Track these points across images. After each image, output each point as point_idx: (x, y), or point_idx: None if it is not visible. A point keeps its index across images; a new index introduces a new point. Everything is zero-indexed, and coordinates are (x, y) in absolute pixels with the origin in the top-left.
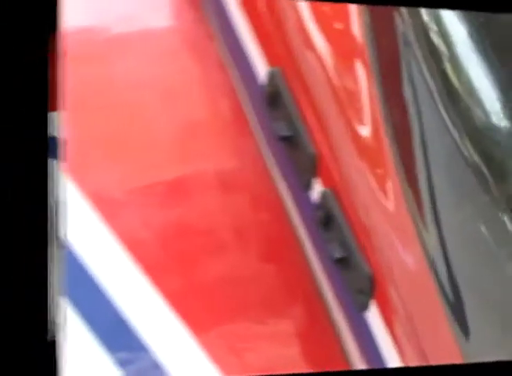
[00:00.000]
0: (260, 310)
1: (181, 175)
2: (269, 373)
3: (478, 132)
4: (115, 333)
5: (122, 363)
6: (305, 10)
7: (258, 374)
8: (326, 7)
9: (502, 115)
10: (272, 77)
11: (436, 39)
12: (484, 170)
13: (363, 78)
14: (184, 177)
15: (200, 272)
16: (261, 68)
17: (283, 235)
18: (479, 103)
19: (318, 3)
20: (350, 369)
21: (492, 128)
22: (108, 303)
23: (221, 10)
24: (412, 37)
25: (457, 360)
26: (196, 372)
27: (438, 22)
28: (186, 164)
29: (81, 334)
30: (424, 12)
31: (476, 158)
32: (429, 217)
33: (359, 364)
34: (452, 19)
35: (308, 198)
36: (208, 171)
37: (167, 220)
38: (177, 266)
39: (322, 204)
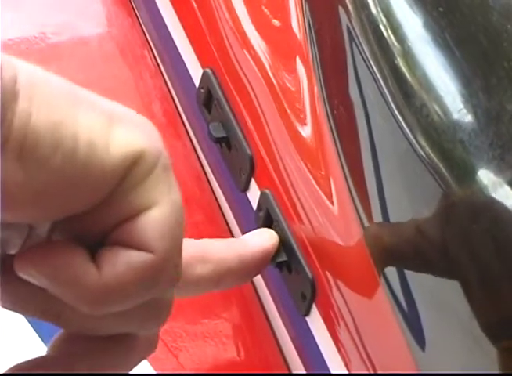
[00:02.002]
0: (195, 310)
1: None
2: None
3: (436, 131)
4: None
5: None
6: (241, 9)
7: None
8: (263, 4)
9: (464, 111)
10: (205, 78)
11: (386, 33)
12: (444, 171)
13: (304, 77)
14: None
15: None
16: (195, 70)
17: (218, 236)
18: (437, 99)
19: (255, 1)
20: (289, 373)
21: (453, 126)
22: None
23: (154, 14)
24: (358, 31)
25: (411, 371)
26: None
27: (389, 13)
28: None
29: (22, 329)
30: (372, 3)
31: (434, 159)
32: (378, 219)
33: (299, 368)
34: (405, 10)
35: (244, 200)
36: None
37: None
38: None
39: (262, 206)
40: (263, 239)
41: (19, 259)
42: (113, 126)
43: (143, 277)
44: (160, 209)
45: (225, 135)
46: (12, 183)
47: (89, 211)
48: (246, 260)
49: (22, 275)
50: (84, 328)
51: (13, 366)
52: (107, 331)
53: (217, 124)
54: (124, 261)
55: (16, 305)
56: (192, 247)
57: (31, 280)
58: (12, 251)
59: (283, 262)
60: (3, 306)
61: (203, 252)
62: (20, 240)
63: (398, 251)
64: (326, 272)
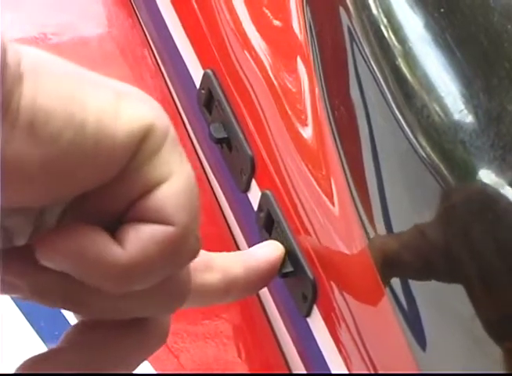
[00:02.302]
0: (196, 311)
1: None
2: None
3: (437, 131)
4: (51, 324)
5: None
6: (242, 10)
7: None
8: (264, 5)
9: (465, 112)
10: (205, 79)
11: (387, 33)
12: (445, 172)
13: (305, 78)
14: None
15: None
16: (196, 71)
17: (219, 237)
18: (438, 99)
19: (255, 2)
20: (290, 373)
21: (454, 126)
22: None
23: (155, 15)
24: (359, 32)
25: (412, 371)
26: None
27: (390, 14)
28: None
29: (17, 324)
30: (373, 4)
31: (435, 159)
32: (380, 222)
33: (300, 369)
34: (406, 11)
35: (245, 201)
36: None
37: None
38: None
39: (263, 207)
40: (269, 251)
41: (41, 246)
42: (120, 102)
43: (168, 250)
44: (175, 181)
45: (225, 135)
46: (27, 161)
47: (103, 188)
48: (252, 271)
49: (45, 262)
50: (105, 313)
51: (26, 361)
52: (127, 314)
53: (218, 125)
54: (147, 235)
55: (36, 295)
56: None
57: (55, 266)
58: (20, 242)
59: (288, 273)
60: (23, 298)
61: (208, 261)
62: (29, 228)
63: (402, 258)
64: (327, 274)
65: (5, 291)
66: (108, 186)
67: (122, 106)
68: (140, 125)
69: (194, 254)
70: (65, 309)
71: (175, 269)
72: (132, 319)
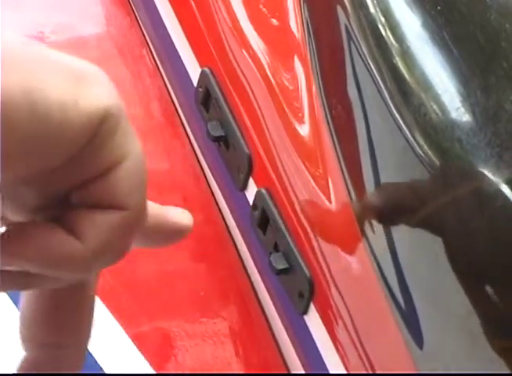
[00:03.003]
0: (194, 310)
1: None
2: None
3: (434, 129)
4: None
5: None
6: (239, 9)
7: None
8: (262, 4)
9: (463, 110)
10: (203, 77)
11: (384, 32)
12: (442, 169)
13: (302, 76)
14: None
15: (133, 270)
16: (194, 69)
17: (216, 235)
18: (435, 97)
19: (253, 1)
20: (289, 373)
21: (451, 124)
22: None
23: (153, 14)
24: (356, 30)
25: (409, 370)
26: (129, 368)
27: (387, 13)
28: None
29: (14, 325)
30: (371, 3)
31: (432, 157)
32: (376, 219)
33: (298, 369)
34: (403, 9)
35: (242, 199)
36: None
37: None
38: None
39: (258, 205)
40: (183, 216)
41: (3, 252)
42: (80, 86)
43: (125, 233)
44: (128, 162)
45: (223, 134)
46: None
47: (58, 168)
48: (161, 227)
49: (5, 266)
50: (48, 285)
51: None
52: (73, 282)
53: (215, 123)
54: (104, 224)
55: None
56: None
57: (14, 268)
58: None
59: (283, 270)
60: None
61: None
62: None
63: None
64: (324, 271)
65: None
66: (63, 167)
67: (81, 91)
68: (98, 109)
69: (143, 227)
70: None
71: (130, 244)
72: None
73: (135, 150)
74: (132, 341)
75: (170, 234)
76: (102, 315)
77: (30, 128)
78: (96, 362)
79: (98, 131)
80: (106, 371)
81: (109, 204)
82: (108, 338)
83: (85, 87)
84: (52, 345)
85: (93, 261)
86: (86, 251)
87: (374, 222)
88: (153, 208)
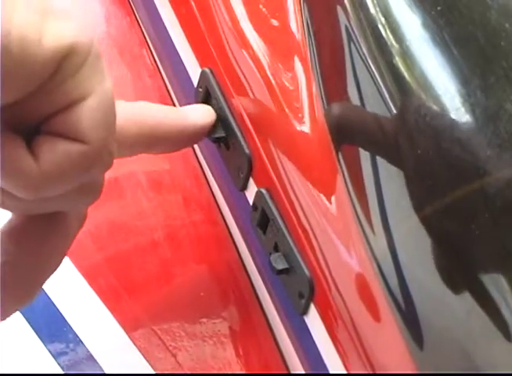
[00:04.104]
0: (193, 310)
1: (114, 176)
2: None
3: (434, 129)
4: (49, 324)
5: (56, 354)
6: (239, 8)
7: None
8: (262, 4)
9: (463, 110)
10: (203, 77)
11: (384, 32)
12: (442, 170)
13: (302, 76)
14: (117, 178)
15: (133, 270)
16: (194, 69)
17: (216, 235)
18: (435, 98)
19: (253, 1)
20: (289, 373)
21: (451, 125)
22: (43, 297)
23: (153, 13)
24: (356, 31)
25: (410, 371)
26: (128, 368)
27: (387, 13)
28: (119, 166)
29: (16, 324)
30: (371, 3)
31: (432, 157)
32: (377, 220)
33: (299, 369)
34: (403, 9)
35: (242, 199)
36: (141, 173)
37: (100, 220)
38: (110, 264)
39: (258, 205)
40: (202, 113)
41: None
42: (45, 21)
43: (81, 165)
44: (94, 99)
45: (223, 134)
46: None
47: (24, 100)
48: (183, 130)
49: None
50: (23, 210)
51: None
52: (43, 211)
53: (215, 123)
54: (62, 151)
55: None
56: (128, 110)
57: None
58: None
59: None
60: None
61: (140, 115)
62: None
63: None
64: (324, 271)
65: None
66: (27, 99)
67: (46, 26)
68: (62, 44)
69: (106, 168)
70: None
71: (87, 180)
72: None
73: (102, 88)
74: (132, 341)
75: (192, 134)
76: (101, 314)
77: None
78: (96, 362)
79: (61, 67)
80: (106, 371)
81: (72, 137)
82: (108, 337)
83: (53, 21)
84: (11, 254)
85: (43, 182)
86: (37, 170)
87: (374, 223)
88: (170, 112)
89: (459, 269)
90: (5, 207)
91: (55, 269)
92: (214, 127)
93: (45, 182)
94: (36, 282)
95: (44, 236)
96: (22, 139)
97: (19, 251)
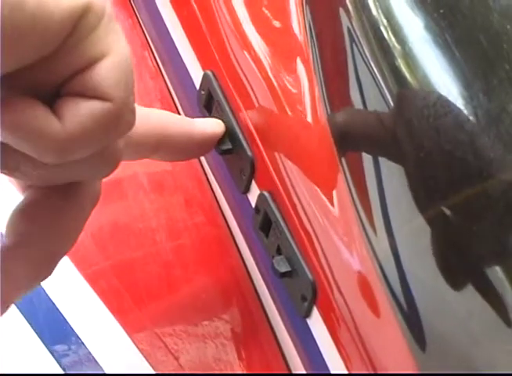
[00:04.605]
0: (196, 312)
1: (116, 178)
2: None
3: (437, 132)
4: (51, 326)
5: (58, 356)
6: (241, 11)
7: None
8: (264, 6)
9: (466, 113)
10: (205, 80)
11: (387, 34)
12: (445, 173)
13: (305, 79)
14: (119, 180)
15: (135, 273)
16: (196, 72)
17: (218, 238)
18: (438, 100)
19: (255, 3)
20: (290, 373)
21: (454, 127)
22: (45, 299)
23: (155, 16)
24: (359, 33)
25: (412, 371)
26: (130, 369)
27: (390, 15)
28: (121, 168)
29: (17, 325)
30: (373, 5)
31: (435, 160)
32: (378, 220)
33: (300, 370)
34: (406, 11)
35: (245, 201)
36: (143, 174)
37: (102, 222)
38: (112, 267)
39: (260, 208)
40: (209, 125)
41: None
42: None
43: (105, 125)
44: (112, 57)
45: (230, 146)
46: None
47: (41, 63)
48: (185, 137)
49: None
50: (40, 179)
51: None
52: (61, 180)
53: (223, 136)
54: (85, 110)
55: None
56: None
57: None
58: None
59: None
60: None
61: (146, 116)
62: None
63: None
64: (327, 274)
65: None
66: (46, 60)
67: None
68: (78, 4)
69: (129, 127)
70: (1, 173)
71: (111, 141)
72: (68, 183)
73: (119, 48)
74: (134, 342)
75: (200, 144)
76: (103, 316)
77: (3, 16)
78: (97, 363)
79: (77, 27)
80: (107, 372)
81: (93, 95)
82: (110, 340)
83: None
84: (29, 233)
85: (68, 143)
86: (62, 130)
87: (377, 225)
88: (179, 120)
89: (462, 270)
90: (25, 177)
91: (71, 246)
92: (221, 139)
93: (71, 144)
94: (53, 258)
95: (59, 211)
96: (44, 102)
97: (33, 227)
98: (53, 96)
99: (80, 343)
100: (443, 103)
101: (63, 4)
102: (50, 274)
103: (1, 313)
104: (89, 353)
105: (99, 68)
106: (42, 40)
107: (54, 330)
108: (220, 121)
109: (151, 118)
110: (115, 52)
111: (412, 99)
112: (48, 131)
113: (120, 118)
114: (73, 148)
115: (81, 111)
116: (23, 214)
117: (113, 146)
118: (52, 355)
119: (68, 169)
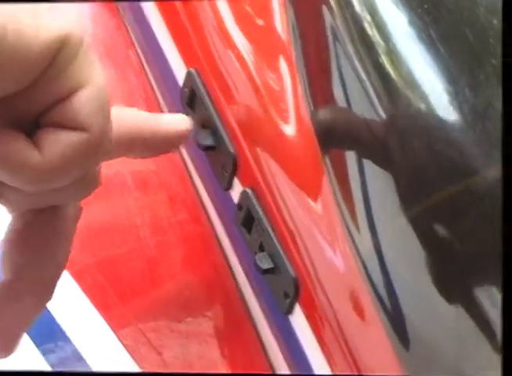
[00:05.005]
0: (179, 308)
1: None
2: (188, 371)
3: (423, 129)
4: (39, 323)
5: (45, 353)
6: (225, 9)
7: (176, 371)
8: (247, 4)
9: (451, 109)
10: (189, 78)
11: (370, 31)
12: (430, 169)
13: (287, 76)
14: (104, 178)
15: (120, 270)
16: (179, 70)
17: (201, 235)
18: (423, 96)
19: (238, 2)
20: (274, 373)
21: (440, 123)
22: None
23: (139, 15)
24: (342, 30)
25: (396, 372)
26: (114, 365)
27: (373, 11)
28: (105, 166)
29: None
30: (356, 2)
31: (420, 156)
32: (362, 219)
33: (284, 369)
34: (390, 8)
35: (227, 198)
36: (127, 173)
37: (87, 220)
38: (97, 264)
39: (243, 205)
40: (176, 118)
41: None
42: (39, 16)
43: (84, 153)
44: (89, 88)
45: (213, 143)
46: None
47: (22, 92)
48: (156, 133)
49: None
50: (23, 205)
51: None
52: (44, 205)
53: (201, 124)
54: (65, 141)
55: None
56: None
57: None
58: None
59: (268, 269)
60: None
61: (119, 118)
62: None
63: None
64: (309, 271)
65: None
66: (26, 90)
67: (41, 20)
68: (57, 35)
69: (108, 155)
70: None
71: (90, 168)
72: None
73: (96, 78)
74: (118, 338)
75: (166, 140)
76: (89, 313)
77: None
78: (83, 359)
79: (55, 59)
80: (93, 368)
81: (72, 126)
82: (95, 335)
83: (45, 16)
84: (22, 265)
85: (49, 173)
86: (42, 161)
87: (360, 222)
88: (145, 117)
89: (445, 268)
90: (8, 203)
91: (65, 265)
92: (204, 135)
93: (52, 174)
94: (50, 282)
95: (45, 238)
96: (23, 133)
97: (22, 260)
98: (31, 125)
99: (66, 339)
100: (428, 99)
101: (42, 35)
102: (52, 296)
103: (15, 347)
104: (75, 349)
105: (77, 99)
106: (22, 71)
107: (40, 326)
108: (186, 117)
109: (122, 119)
110: (92, 82)
111: (396, 96)
112: (30, 163)
113: (98, 147)
114: (53, 178)
115: (60, 142)
116: (11, 246)
117: (93, 171)
118: (39, 351)
119: (50, 195)
